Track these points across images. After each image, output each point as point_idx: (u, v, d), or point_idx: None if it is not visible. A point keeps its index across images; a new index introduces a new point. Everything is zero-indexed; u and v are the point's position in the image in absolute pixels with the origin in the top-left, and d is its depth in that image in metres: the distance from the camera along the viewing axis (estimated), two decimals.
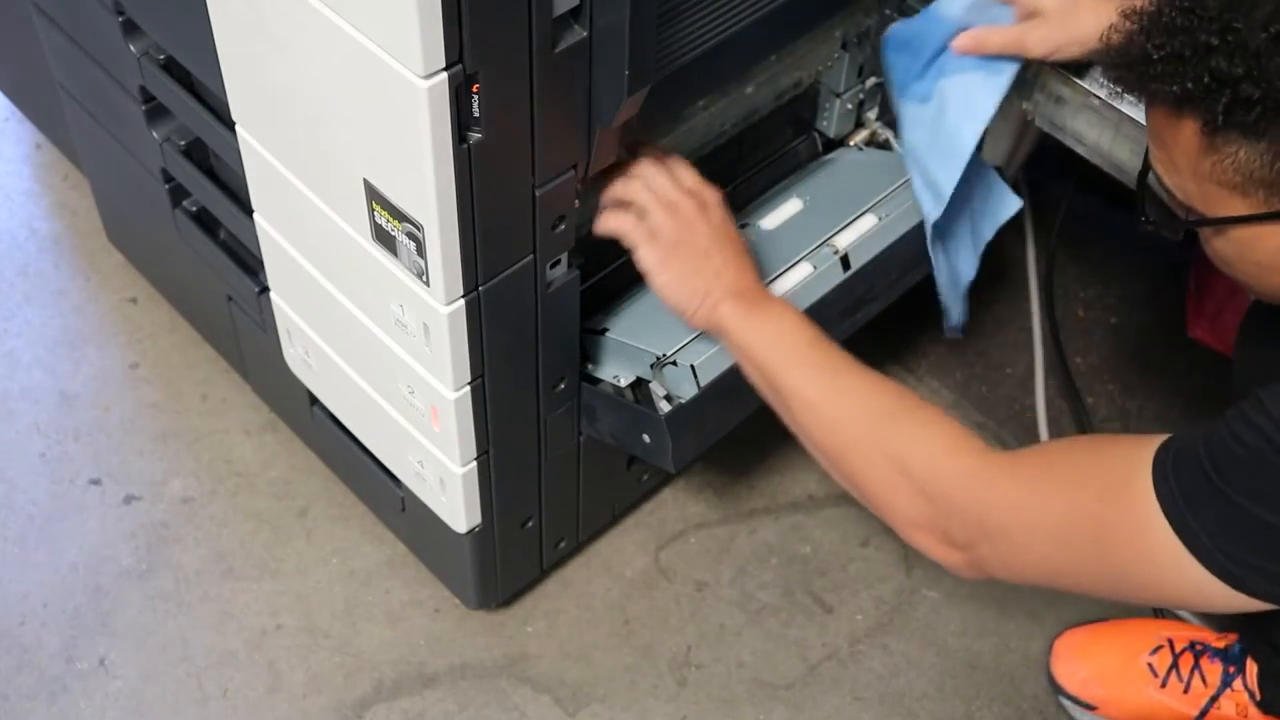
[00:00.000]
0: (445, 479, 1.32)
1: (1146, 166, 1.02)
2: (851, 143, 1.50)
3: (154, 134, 1.46)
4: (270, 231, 1.34)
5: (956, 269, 1.40)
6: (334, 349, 1.37)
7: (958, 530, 1.06)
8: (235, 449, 1.69)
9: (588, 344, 1.32)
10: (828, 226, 1.38)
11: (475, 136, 1.01)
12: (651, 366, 1.29)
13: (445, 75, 0.96)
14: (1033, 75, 1.32)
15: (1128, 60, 0.94)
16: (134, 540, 1.61)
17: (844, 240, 1.38)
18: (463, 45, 0.95)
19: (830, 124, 1.48)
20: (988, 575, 1.08)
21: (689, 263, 1.20)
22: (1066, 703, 1.50)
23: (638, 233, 1.21)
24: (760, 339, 1.18)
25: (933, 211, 1.33)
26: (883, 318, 1.43)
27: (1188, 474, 0.96)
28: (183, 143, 1.45)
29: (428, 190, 1.03)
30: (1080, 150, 1.35)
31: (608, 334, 1.32)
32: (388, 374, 1.29)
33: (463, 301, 1.13)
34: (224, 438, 1.70)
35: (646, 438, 1.29)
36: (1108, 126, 1.30)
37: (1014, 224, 1.92)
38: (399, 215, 1.09)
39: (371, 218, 1.13)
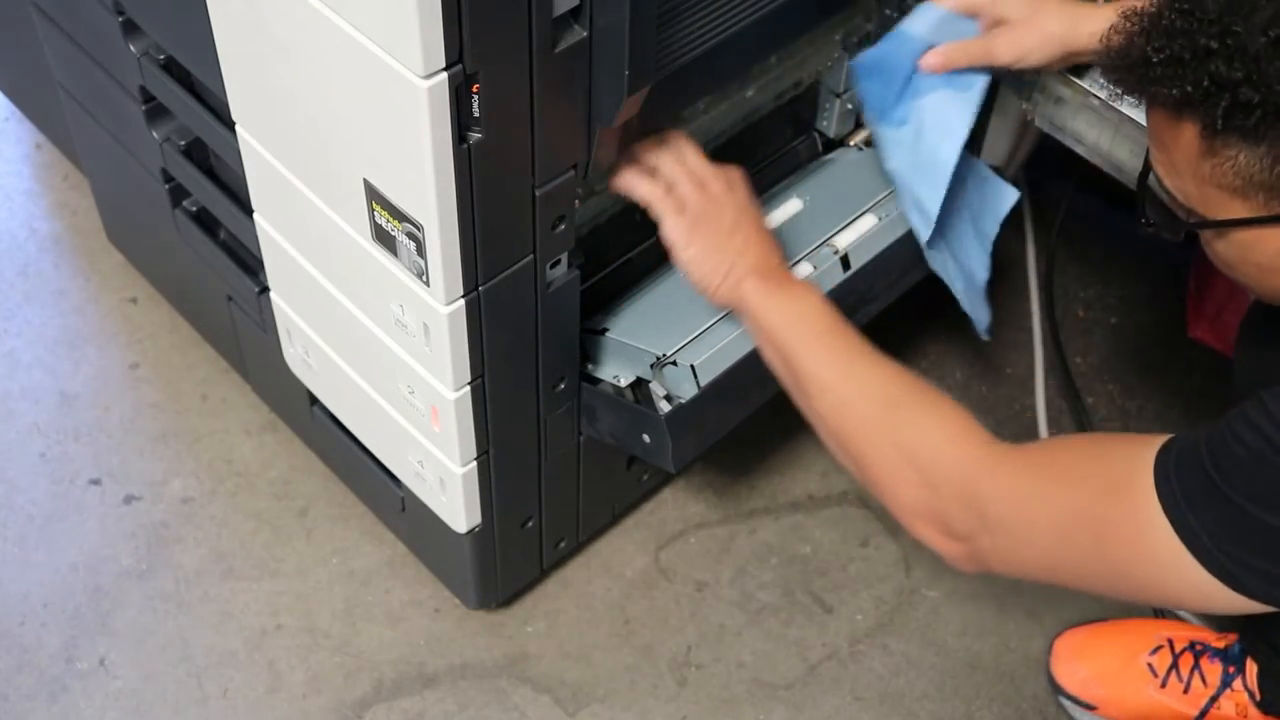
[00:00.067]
0: (445, 479, 1.32)
1: (1147, 168, 1.02)
2: (851, 143, 1.50)
3: (154, 134, 1.46)
4: (270, 231, 1.34)
5: (971, 272, 1.40)
6: (334, 349, 1.37)
7: (958, 521, 1.06)
8: (235, 449, 1.69)
9: (588, 344, 1.32)
10: (828, 226, 1.38)
11: (475, 136, 1.01)
12: (651, 366, 1.29)
13: (445, 75, 0.96)
14: (1032, 76, 1.32)
15: (1127, 62, 0.94)
16: (134, 540, 1.61)
17: (844, 240, 1.38)
18: (463, 45, 0.95)
19: (830, 124, 1.48)
20: (987, 568, 1.08)
21: (714, 238, 1.21)
22: (1066, 703, 1.50)
23: (666, 203, 1.21)
24: (780, 318, 1.18)
25: (924, 233, 1.33)
26: (883, 317, 1.42)
27: (1189, 475, 0.96)
28: (183, 143, 1.45)
29: (428, 190, 1.03)
30: (1080, 150, 1.35)
31: (608, 334, 1.32)
32: (388, 374, 1.29)
33: (463, 301, 1.13)
34: (224, 438, 1.70)
35: (646, 438, 1.29)
36: (1107, 127, 1.30)
37: (1014, 224, 1.93)
38: (399, 215, 1.09)
39: (371, 218, 1.13)
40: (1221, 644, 1.46)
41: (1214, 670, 1.44)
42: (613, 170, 1.22)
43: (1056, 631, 1.54)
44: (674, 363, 1.27)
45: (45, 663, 1.51)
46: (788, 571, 1.61)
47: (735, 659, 1.54)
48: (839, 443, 1.15)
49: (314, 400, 1.54)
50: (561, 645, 1.54)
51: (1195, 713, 1.44)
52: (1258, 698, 1.41)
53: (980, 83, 1.28)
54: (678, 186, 1.21)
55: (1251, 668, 1.42)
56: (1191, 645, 1.46)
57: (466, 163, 1.02)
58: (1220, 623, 1.51)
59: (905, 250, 1.39)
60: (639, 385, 1.31)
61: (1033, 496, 1.03)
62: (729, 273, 1.21)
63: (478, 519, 1.38)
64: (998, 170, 1.45)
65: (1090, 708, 1.48)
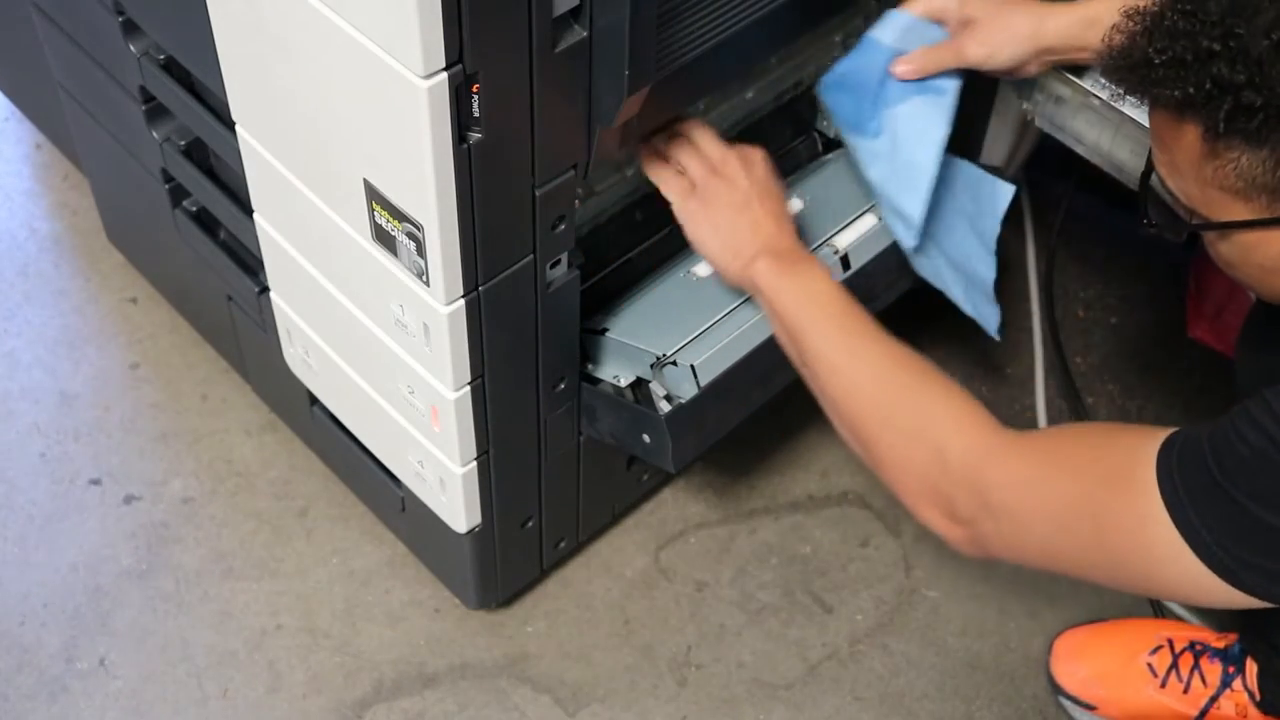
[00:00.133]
0: (445, 479, 1.32)
1: (1150, 168, 1.02)
2: None
3: (154, 134, 1.46)
4: (270, 231, 1.34)
5: (975, 274, 1.39)
6: (334, 349, 1.37)
7: (962, 506, 1.07)
8: (235, 449, 1.69)
9: (588, 344, 1.32)
10: (828, 226, 1.38)
11: (475, 136, 1.01)
12: (651, 366, 1.29)
13: (445, 75, 0.96)
14: (1028, 77, 1.32)
15: (1129, 63, 0.94)
16: (134, 540, 1.61)
17: (844, 240, 1.38)
18: (463, 45, 0.95)
19: (830, 124, 1.48)
20: (989, 553, 1.09)
21: (721, 217, 1.22)
22: (1066, 703, 1.50)
23: (673, 185, 1.23)
24: (790, 299, 1.19)
25: (909, 241, 1.33)
26: (883, 317, 1.41)
27: (1191, 471, 0.96)
28: (183, 143, 1.45)
29: (428, 190, 1.03)
30: (1080, 150, 1.35)
31: (608, 334, 1.32)
32: (388, 374, 1.29)
33: (463, 301, 1.13)
34: (224, 438, 1.70)
35: (646, 438, 1.29)
36: (1108, 126, 1.30)
37: (1014, 224, 1.93)
38: (399, 215, 1.09)
39: (371, 218, 1.13)
40: (1221, 644, 1.46)
41: (1214, 670, 1.44)
42: (639, 157, 1.25)
43: (1056, 631, 1.54)
44: (674, 363, 1.27)
45: (45, 663, 1.51)
46: (788, 571, 1.61)
47: (735, 659, 1.54)
48: (846, 424, 1.15)
49: (314, 400, 1.54)
50: (561, 645, 1.54)
51: (1195, 713, 1.44)
52: (1258, 698, 1.41)
53: (952, 86, 1.28)
54: (690, 168, 1.23)
55: (1251, 668, 1.42)
56: (1191, 645, 1.46)
57: (466, 163, 1.02)
58: (1220, 622, 1.51)
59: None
60: (639, 385, 1.31)
61: (1035, 485, 1.04)
62: (739, 252, 1.21)
63: (478, 519, 1.38)
64: (995, 169, 1.44)
65: (1090, 708, 1.48)
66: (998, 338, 1.40)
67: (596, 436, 1.37)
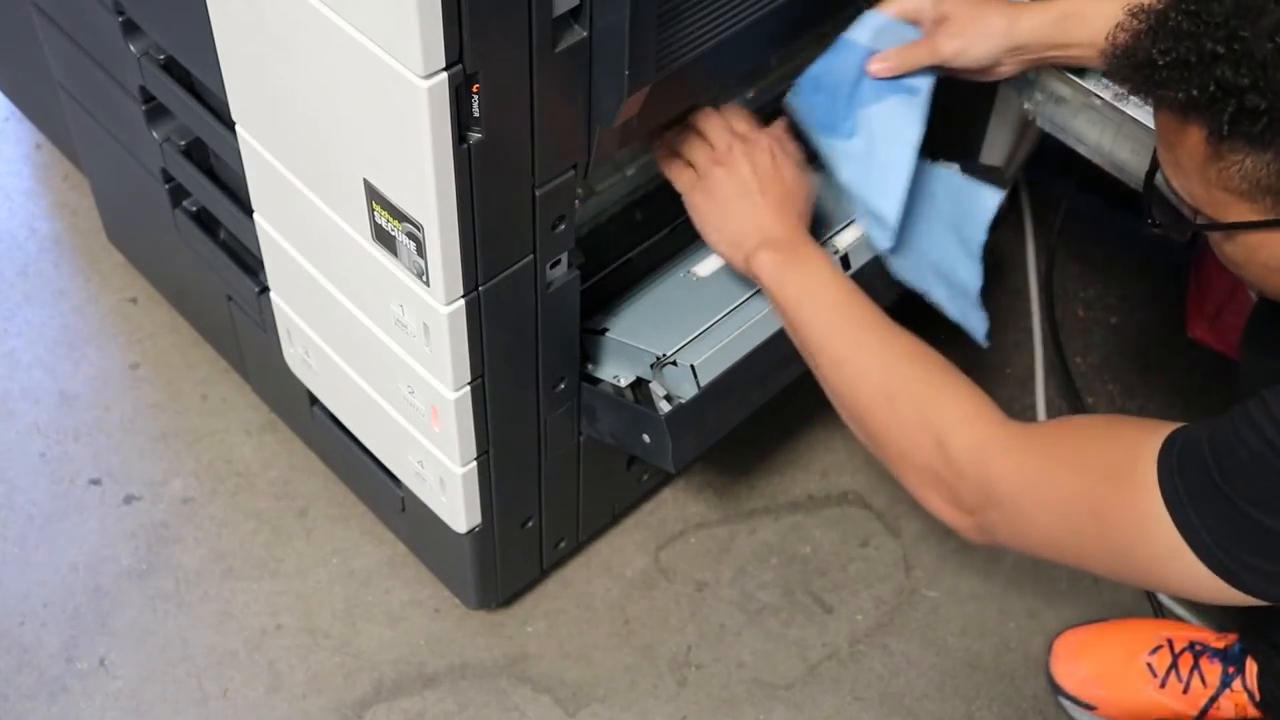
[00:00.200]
0: (445, 479, 1.32)
1: (1154, 167, 1.02)
2: None
3: (154, 134, 1.46)
4: (270, 231, 1.34)
5: (959, 281, 1.38)
6: (334, 349, 1.37)
7: (967, 495, 1.07)
8: (235, 449, 1.69)
9: (588, 344, 1.32)
10: (828, 226, 1.38)
11: (475, 136, 1.01)
12: (651, 366, 1.29)
13: (445, 75, 0.96)
14: (1034, 75, 1.32)
15: (1133, 63, 0.94)
16: (134, 540, 1.61)
17: (844, 240, 1.38)
18: (463, 45, 0.94)
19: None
20: (995, 541, 1.09)
21: (726, 209, 1.22)
22: (1066, 703, 1.50)
23: (684, 177, 1.24)
24: (793, 291, 1.19)
25: (885, 243, 1.31)
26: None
27: (1191, 472, 0.96)
28: (183, 143, 1.45)
29: (428, 190, 1.03)
30: (1081, 150, 1.34)
31: (608, 334, 1.32)
32: (388, 374, 1.29)
33: (463, 301, 1.13)
34: (224, 438, 1.70)
35: (646, 438, 1.29)
36: (1109, 126, 1.30)
37: (1014, 224, 1.93)
38: (399, 215, 1.09)
39: (371, 218, 1.13)
40: (1221, 644, 1.46)
41: (1213, 670, 1.44)
42: (653, 149, 1.26)
43: (1056, 631, 1.54)
44: (674, 363, 1.27)
45: (45, 663, 1.51)
46: (788, 571, 1.61)
47: (735, 659, 1.54)
48: (852, 415, 1.15)
49: (314, 400, 1.54)
50: (561, 645, 1.54)
51: (1195, 713, 1.44)
52: (1258, 698, 1.41)
53: (926, 85, 1.28)
54: (694, 159, 1.23)
55: (1251, 668, 1.42)
56: (1191, 645, 1.46)
57: (466, 163, 1.02)
58: (1220, 622, 1.51)
59: None
60: (639, 385, 1.31)
61: (1039, 477, 1.04)
62: (739, 243, 1.22)
63: (478, 519, 1.37)
64: (995, 169, 1.43)
65: (1090, 708, 1.48)
66: (985, 345, 1.38)
67: (596, 436, 1.37)
